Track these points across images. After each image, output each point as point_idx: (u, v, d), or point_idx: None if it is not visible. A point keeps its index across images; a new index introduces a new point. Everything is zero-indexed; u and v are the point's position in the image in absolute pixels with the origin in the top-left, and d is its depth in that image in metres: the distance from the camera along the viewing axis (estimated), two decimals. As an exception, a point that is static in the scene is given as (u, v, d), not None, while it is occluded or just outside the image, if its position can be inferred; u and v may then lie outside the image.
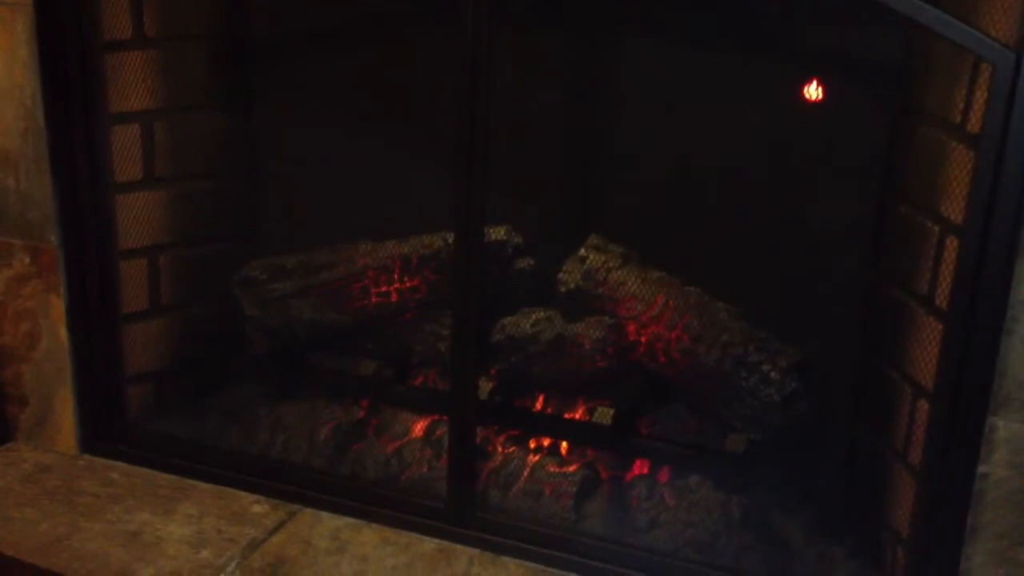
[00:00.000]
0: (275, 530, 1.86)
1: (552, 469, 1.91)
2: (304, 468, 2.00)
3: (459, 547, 1.82)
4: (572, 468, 1.92)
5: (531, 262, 2.02)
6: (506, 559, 1.80)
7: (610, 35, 1.99)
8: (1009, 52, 1.37)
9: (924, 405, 1.62)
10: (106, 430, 2.07)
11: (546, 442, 1.99)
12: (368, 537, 1.86)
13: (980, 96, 1.45)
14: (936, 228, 1.59)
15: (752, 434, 1.83)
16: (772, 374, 1.80)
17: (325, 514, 1.91)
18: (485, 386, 1.95)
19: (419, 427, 2.03)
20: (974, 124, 1.47)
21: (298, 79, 2.17)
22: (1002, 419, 1.49)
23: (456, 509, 1.84)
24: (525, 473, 1.91)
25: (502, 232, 1.99)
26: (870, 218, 1.85)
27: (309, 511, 1.92)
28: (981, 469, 1.51)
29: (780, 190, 1.90)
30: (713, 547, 1.79)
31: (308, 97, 2.15)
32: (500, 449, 1.98)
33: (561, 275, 1.99)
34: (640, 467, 1.93)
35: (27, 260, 1.97)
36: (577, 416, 1.97)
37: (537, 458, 1.95)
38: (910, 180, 1.72)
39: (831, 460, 1.92)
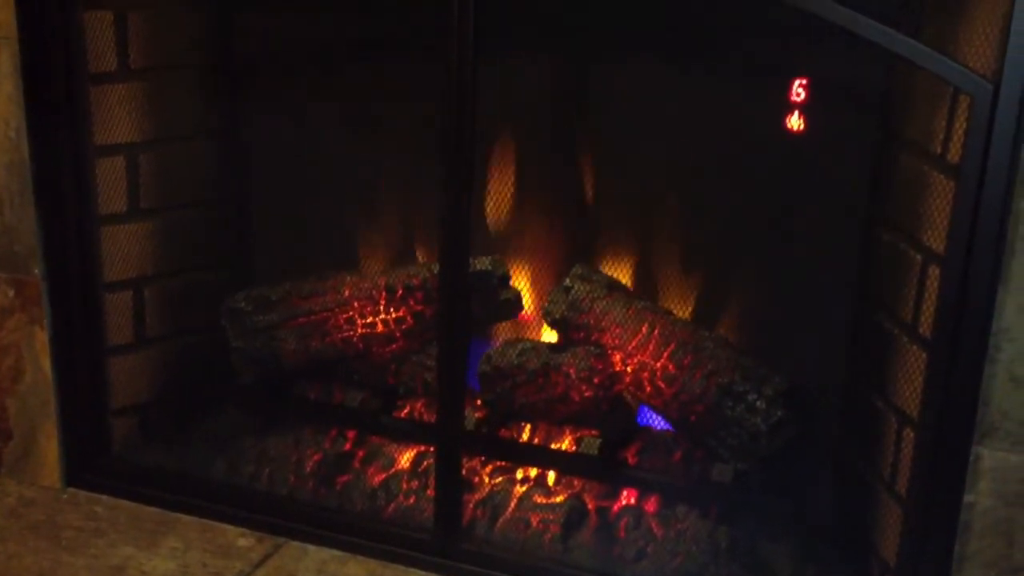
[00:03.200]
0: (261, 563, 1.85)
1: (539, 500, 1.90)
2: (290, 500, 1.98)
3: (446, 579, 1.82)
4: (559, 499, 1.91)
5: (516, 292, 2.02)
6: (493, 591, 1.79)
7: (595, 67, 2.00)
8: (987, 83, 1.38)
9: (910, 434, 1.62)
10: (91, 463, 2.06)
11: (533, 472, 1.98)
12: (354, 570, 1.84)
13: (960, 126, 1.46)
14: (919, 257, 1.60)
15: (739, 464, 1.83)
16: (758, 403, 1.80)
17: (311, 547, 1.89)
18: (471, 417, 1.94)
19: (405, 458, 2.02)
20: (954, 154, 1.48)
21: (283, 108, 2.17)
22: (987, 448, 1.49)
23: (442, 541, 1.83)
24: (512, 504, 1.90)
25: (487, 262, 1.99)
26: (855, 246, 1.86)
27: (295, 544, 1.90)
28: (967, 498, 1.51)
29: (766, 218, 1.90)
30: (701, 577, 1.78)
31: (293, 126, 2.16)
32: (487, 480, 1.97)
33: (546, 305, 2.00)
34: (627, 497, 1.92)
35: (11, 293, 1.96)
36: (564, 446, 1.97)
37: (524, 489, 1.94)
38: (893, 209, 1.73)
39: (819, 489, 1.92)
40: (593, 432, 1.95)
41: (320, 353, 2.09)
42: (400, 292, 2.05)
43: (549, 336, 2.07)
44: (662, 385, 1.88)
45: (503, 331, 2.09)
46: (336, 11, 2.08)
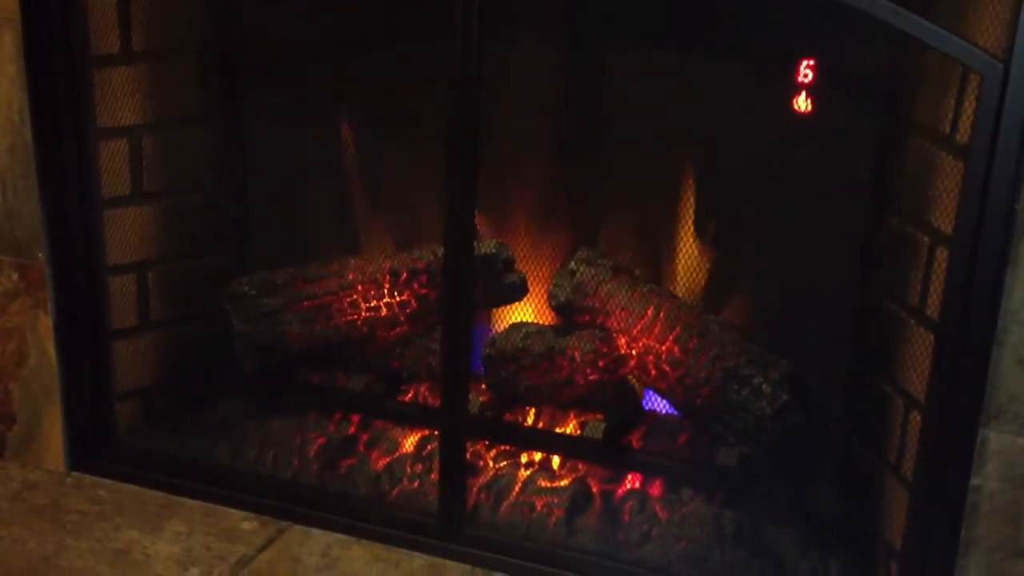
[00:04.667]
0: (264, 547, 1.85)
1: (543, 484, 1.90)
2: (293, 484, 1.98)
3: (450, 563, 1.81)
4: (563, 483, 1.90)
5: (521, 275, 2.02)
6: (497, 575, 1.79)
7: (600, 48, 1.99)
8: (997, 63, 1.37)
9: (916, 417, 1.61)
10: (94, 447, 2.06)
11: (537, 456, 1.98)
12: (358, 554, 1.84)
13: (969, 107, 1.45)
14: (926, 239, 1.59)
15: (744, 447, 1.82)
16: (763, 387, 1.79)
17: (315, 531, 1.89)
18: (475, 400, 1.94)
19: (409, 442, 2.02)
20: (963, 135, 1.47)
21: (288, 92, 2.16)
22: (994, 431, 1.48)
23: (447, 525, 1.83)
24: (516, 488, 1.90)
25: (492, 245, 1.98)
26: (861, 229, 1.85)
27: (299, 528, 1.90)
28: (974, 482, 1.50)
29: (771, 201, 1.89)
30: (706, 562, 1.77)
31: (298, 110, 2.15)
32: (491, 464, 1.97)
33: (551, 288, 1.99)
34: (632, 481, 1.92)
35: (15, 277, 1.96)
36: (568, 430, 1.96)
37: (528, 473, 1.94)
38: (900, 191, 1.72)
39: (824, 473, 1.92)
40: (598, 416, 1.95)
41: (324, 337, 2.09)
42: (404, 275, 2.04)
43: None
44: (667, 369, 1.88)
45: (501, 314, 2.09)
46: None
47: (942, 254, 1.53)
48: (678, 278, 1.99)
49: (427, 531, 1.84)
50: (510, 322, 2.04)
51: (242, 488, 1.96)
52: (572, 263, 1.97)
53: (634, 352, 1.92)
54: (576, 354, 1.92)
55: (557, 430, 1.98)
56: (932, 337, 1.55)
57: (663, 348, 1.88)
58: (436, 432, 1.91)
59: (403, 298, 2.05)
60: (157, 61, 2.03)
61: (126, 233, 2.04)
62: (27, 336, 1.99)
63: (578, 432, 1.95)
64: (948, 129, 1.53)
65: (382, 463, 1.99)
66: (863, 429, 1.82)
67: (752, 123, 1.83)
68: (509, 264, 2.01)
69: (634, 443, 1.95)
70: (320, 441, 2.04)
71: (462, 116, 1.65)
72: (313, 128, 2.14)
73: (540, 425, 1.99)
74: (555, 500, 1.86)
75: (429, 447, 1.99)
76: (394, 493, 1.94)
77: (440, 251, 1.83)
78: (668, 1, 1.82)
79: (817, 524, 1.85)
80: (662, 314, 1.90)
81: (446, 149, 1.67)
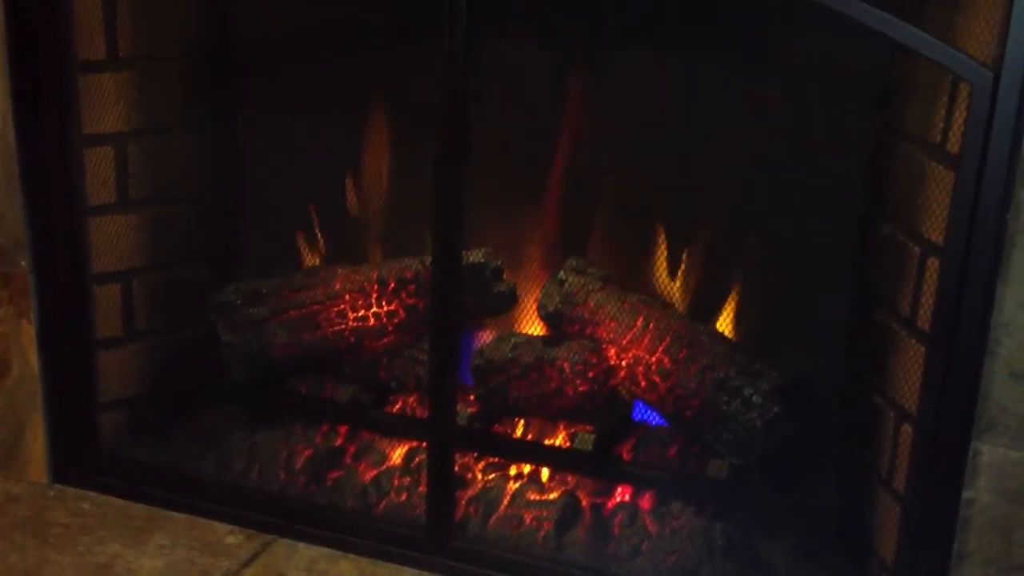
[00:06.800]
0: (249, 562, 1.83)
1: (532, 497, 1.88)
2: (280, 497, 1.96)
3: (438, 577, 1.80)
4: (553, 495, 1.89)
5: (510, 285, 2.00)
6: (485, 589, 1.77)
7: (591, 53, 1.98)
8: (987, 71, 1.36)
9: (908, 429, 1.60)
10: (78, 459, 2.03)
11: (526, 469, 1.96)
12: (345, 568, 1.82)
13: (960, 116, 1.44)
14: (917, 249, 1.58)
15: (735, 459, 1.81)
16: (754, 398, 1.78)
17: (301, 544, 1.87)
18: (464, 412, 1.92)
19: (397, 454, 2.00)
20: (954, 144, 1.46)
21: (277, 99, 2.15)
22: (986, 444, 1.47)
23: (435, 538, 1.81)
24: (505, 501, 1.88)
25: (480, 255, 1.97)
26: (852, 239, 1.84)
27: (284, 541, 1.88)
28: (966, 495, 1.49)
29: (762, 209, 1.88)
30: (696, 575, 1.75)
31: (286, 118, 2.14)
32: (480, 476, 1.95)
33: (540, 298, 1.97)
34: (622, 494, 1.90)
35: (-3, 285, 1.94)
36: (558, 442, 1.95)
37: (517, 485, 1.92)
38: (891, 201, 1.71)
39: (816, 485, 1.90)
40: (587, 427, 1.93)
41: (311, 347, 2.07)
42: (392, 285, 2.03)
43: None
44: (657, 380, 1.86)
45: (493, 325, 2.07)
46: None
47: (933, 264, 1.52)
48: (668, 288, 1.98)
49: (415, 544, 1.82)
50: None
51: (227, 501, 1.94)
52: (561, 272, 1.96)
53: (624, 363, 1.90)
54: (565, 365, 1.90)
55: (546, 442, 1.96)
56: (923, 348, 1.54)
57: (653, 359, 1.87)
58: (424, 444, 1.89)
59: (391, 308, 2.03)
60: (143, 67, 2.01)
61: (111, 241, 2.02)
62: (10, 345, 1.97)
63: (567, 444, 1.93)
64: (939, 138, 1.52)
65: (369, 475, 1.97)
66: (854, 441, 1.81)
67: (744, 131, 1.82)
68: (498, 273, 1.99)
69: (624, 455, 1.93)
70: (307, 453, 2.01)
71: (451, 120, 1.63)
72: (303, 134, 2.12)
73: (529, 437, 1.98)
74: (544, 513, 1.84)
75: (417, 459, 1.97)
76: (382, 506, 1.92)
77: (428, 260, 1.81)
78: (665, 10, 1.80)
79: (809, 536, 1.83)
80: (652, 324, 1.88)
81: (434, 156, 1.66)
